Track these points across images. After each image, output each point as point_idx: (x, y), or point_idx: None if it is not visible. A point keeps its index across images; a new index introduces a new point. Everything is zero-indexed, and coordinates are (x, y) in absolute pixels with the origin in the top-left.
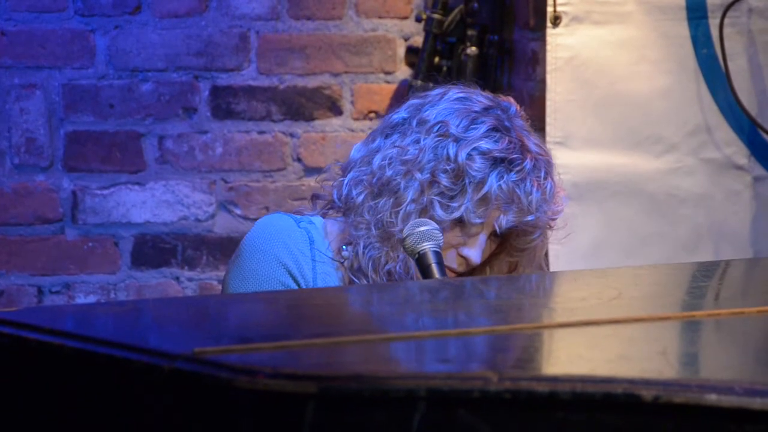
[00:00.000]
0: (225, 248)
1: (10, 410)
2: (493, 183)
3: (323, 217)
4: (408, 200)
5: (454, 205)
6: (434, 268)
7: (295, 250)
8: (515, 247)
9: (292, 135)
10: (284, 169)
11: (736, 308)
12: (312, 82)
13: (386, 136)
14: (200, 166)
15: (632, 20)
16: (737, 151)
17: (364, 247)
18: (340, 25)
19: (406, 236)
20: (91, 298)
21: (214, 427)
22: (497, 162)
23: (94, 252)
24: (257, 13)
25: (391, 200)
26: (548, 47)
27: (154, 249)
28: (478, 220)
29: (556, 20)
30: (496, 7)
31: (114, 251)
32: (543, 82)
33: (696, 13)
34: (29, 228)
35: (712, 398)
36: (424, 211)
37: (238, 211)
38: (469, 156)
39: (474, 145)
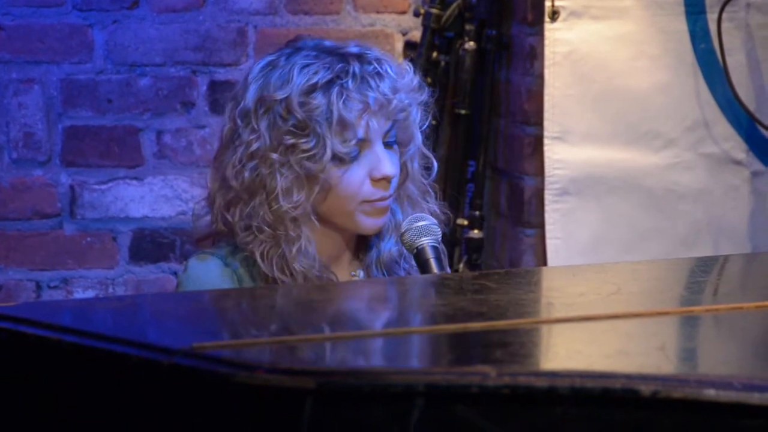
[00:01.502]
0: None
1: (9, 405)
2: (337, 105)
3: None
4: (278, 181)
5: (320, 151)
6: (432, 262)
7: None
8: (401, 140)
9: None
10: None
11: (734, 303)
12: None
13: (226, 148)
14: (198, 161)
15: (630, 15)
16: (735, 146)
17: (261, 254)
18: (337, 20)
19: (405, 231)
20: (90, 293)
21: (213, 422)
22: (327, 85)
23: (93, 247)
24: (255, 7)
25: (264, 194)
26: (546, 42)
27: (152, 244)
28: (351, 143)
29: (554, 15)
30: (494, 2)
31: (112, 246)
32: (541, 77)
33: (694, 8)
34: (27, 223)
35: (710, 393)
36: (297, 176)
37: None
38: (300, 103)
39: (298, 91)
